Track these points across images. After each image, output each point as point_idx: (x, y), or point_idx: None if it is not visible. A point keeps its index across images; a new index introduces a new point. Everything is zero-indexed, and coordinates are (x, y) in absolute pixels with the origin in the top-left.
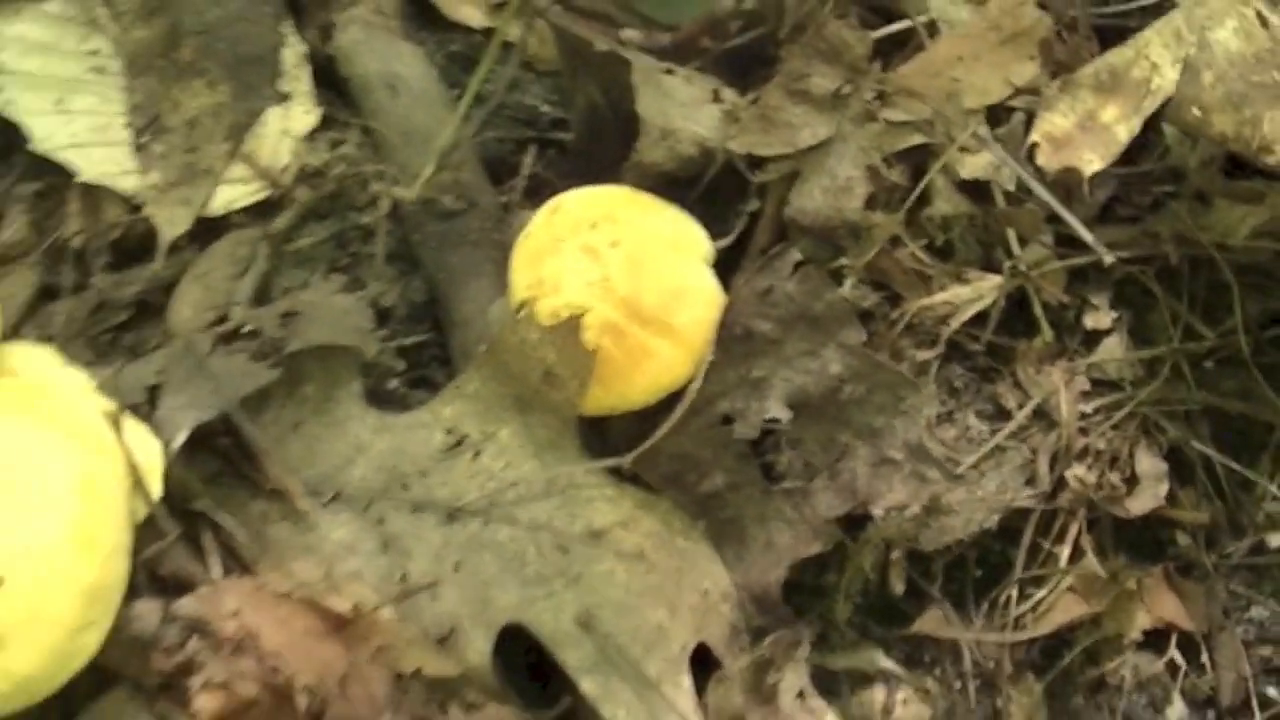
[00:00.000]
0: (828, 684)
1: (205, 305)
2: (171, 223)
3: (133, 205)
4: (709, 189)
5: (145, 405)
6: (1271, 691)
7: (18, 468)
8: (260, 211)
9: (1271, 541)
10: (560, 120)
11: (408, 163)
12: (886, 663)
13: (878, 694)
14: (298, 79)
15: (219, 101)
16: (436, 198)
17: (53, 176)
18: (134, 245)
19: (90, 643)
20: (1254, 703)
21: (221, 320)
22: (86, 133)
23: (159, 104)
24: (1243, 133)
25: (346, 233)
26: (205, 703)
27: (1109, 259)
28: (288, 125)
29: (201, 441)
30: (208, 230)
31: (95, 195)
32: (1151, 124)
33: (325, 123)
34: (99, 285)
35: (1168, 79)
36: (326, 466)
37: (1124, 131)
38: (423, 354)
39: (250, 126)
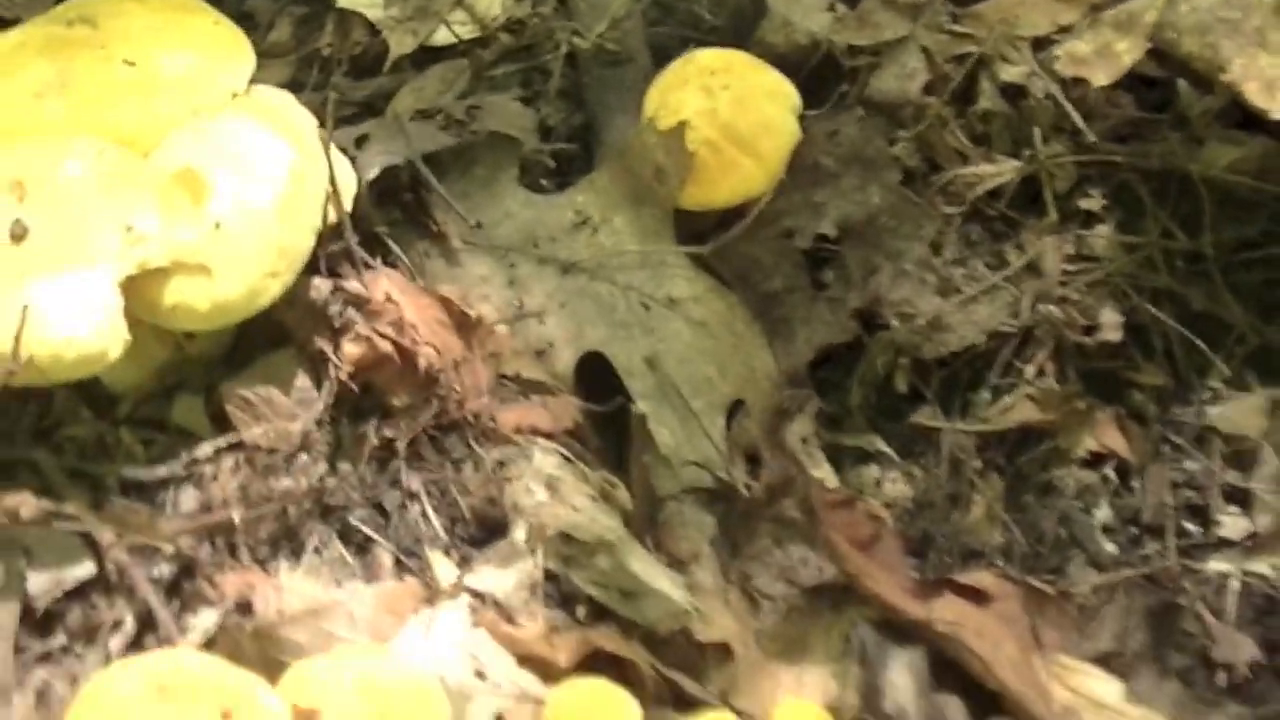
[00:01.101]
0: (835, 457)
1: (415, 109)
2: (400, 45)
3: (374, 30)
4: (812, 73)
5: (352, 151)
6: (1190, 526)
7: (246, 149)
8: (469, 48)
9: (1213, 411)
10: (717, 27)
11: (589, 24)
12: (883, 447)
13: (872, 471)
14: None
15: None
16: (606, 48)
17: (317, 4)
18: (369, 61)
19: (274, 289)
20: (1171, 528)
21: None
22: None
23: None
24: (1204, 54)
25: (532, 72)
26: (351, 349)
27: (1091, 138)
28: None
29: (391, 193)
30: (427, 57)
31: (346, 19)
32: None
33: None
34: (337, 84)
35: None
36: (482, 224)
37: (1129, 58)
38: (572, 164)
39: None
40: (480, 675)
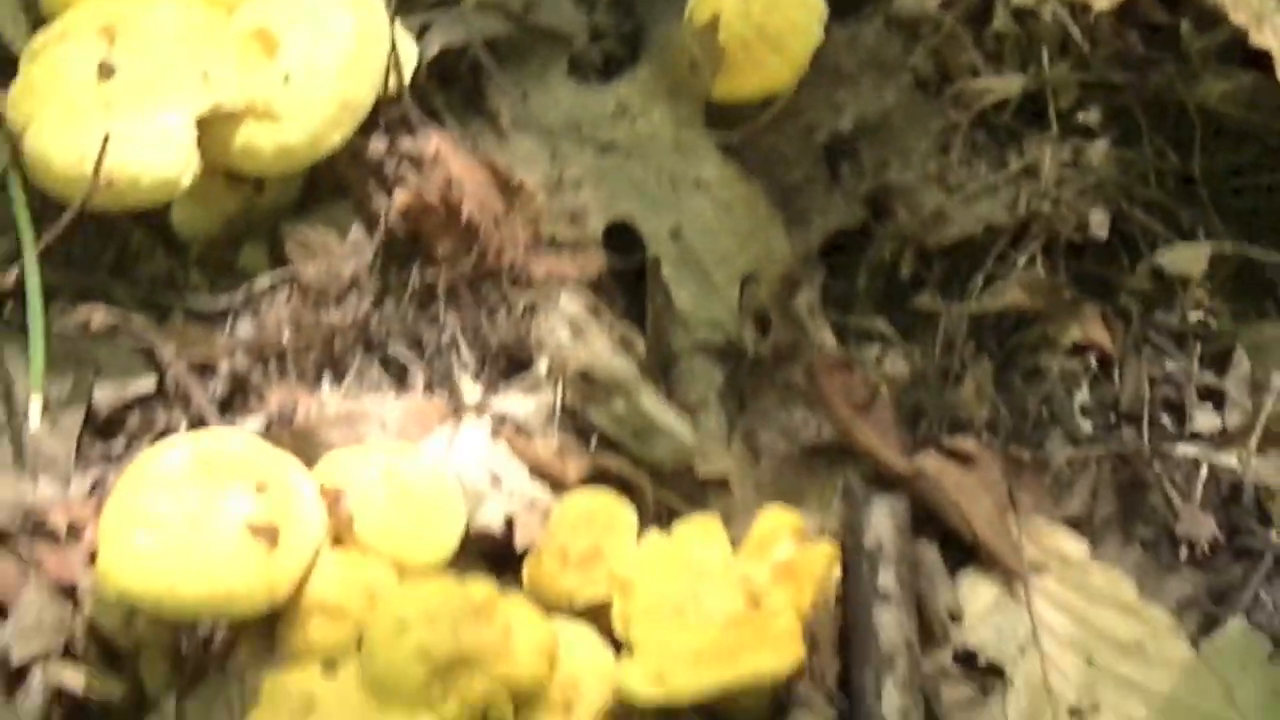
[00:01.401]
0: (841, 336)
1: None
2: None
3: None
4: None
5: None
6: (1164, 418)
7: (316, 13)
8: None
9: (1193, 317)
10: None
11: None
12: (886, 328)
13: (875, 349)
14: None
15: None
16: None
17: None
18: None
19: (335, 138)
20: (1145, 416)
21: None
22: None
23: None
24: None
25: None
26: (400, 199)
27: (1086, 48)
28: None
29: (450, 76)
30: None
31: None
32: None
33: None
34: None
35: None
36: (531, 109)
37: None
38: (620, 65)
39: None
40: (495, 482)
